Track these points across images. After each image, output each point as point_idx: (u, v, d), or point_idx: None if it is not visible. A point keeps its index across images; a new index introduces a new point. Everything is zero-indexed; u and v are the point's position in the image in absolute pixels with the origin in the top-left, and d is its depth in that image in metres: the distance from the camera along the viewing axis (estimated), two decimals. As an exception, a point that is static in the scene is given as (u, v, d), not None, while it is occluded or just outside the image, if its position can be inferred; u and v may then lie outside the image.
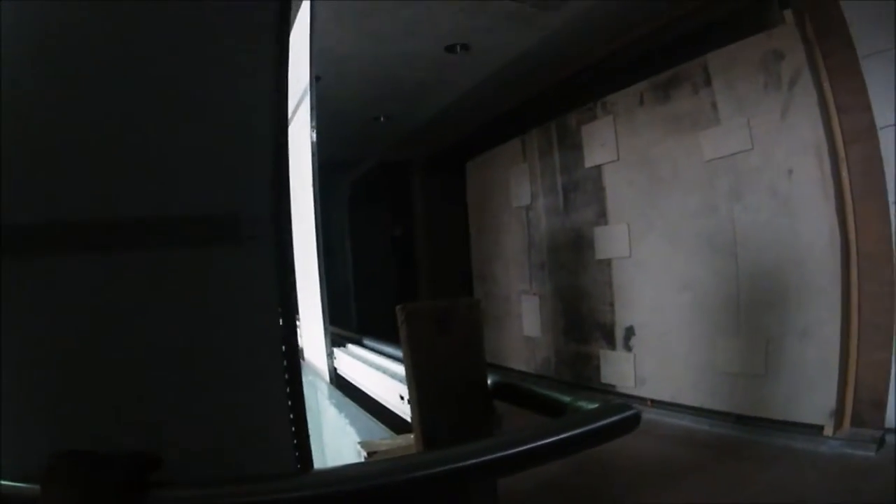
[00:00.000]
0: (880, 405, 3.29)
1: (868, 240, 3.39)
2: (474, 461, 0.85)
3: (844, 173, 3.45)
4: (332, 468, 1.38)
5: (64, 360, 1.14)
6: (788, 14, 3.60)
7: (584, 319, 5.41)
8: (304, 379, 1.40)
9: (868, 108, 3.27)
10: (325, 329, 3.21)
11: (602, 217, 5.13)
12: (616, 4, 4.16)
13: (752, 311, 3.92)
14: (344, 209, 8.81)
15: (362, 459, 1.77)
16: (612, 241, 5.03)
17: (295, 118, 3.26)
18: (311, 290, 3.27)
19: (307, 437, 1.33)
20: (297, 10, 3.11)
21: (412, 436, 1.33)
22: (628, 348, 4.88)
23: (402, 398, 2.18)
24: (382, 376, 2.57)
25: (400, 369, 2.42)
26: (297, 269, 3.32)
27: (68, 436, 1.11)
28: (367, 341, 3.59)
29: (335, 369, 3.24)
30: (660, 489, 3.23)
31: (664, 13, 4.31)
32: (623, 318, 4.95)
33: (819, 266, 3.50)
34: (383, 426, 2.28)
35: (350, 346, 3.58)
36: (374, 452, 1.73)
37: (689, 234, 4.33)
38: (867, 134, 3.29)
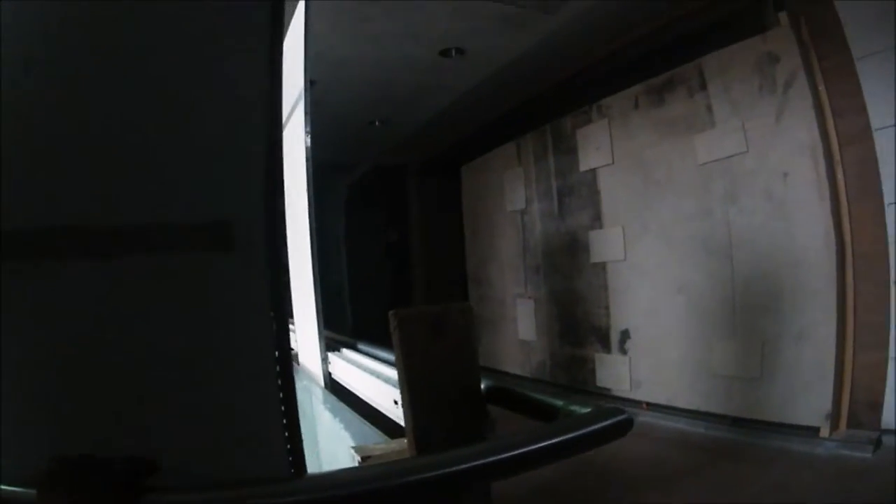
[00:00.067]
0: (876, 406, 3.30)
1: (863, 241, 3.40)
2: (467, 466, 0.85)
3: (840, 175, 3.47)
4: (325, 473, 1.38)
5: (60, 364, 1.14)
6: (783, 16, 3.62)
7: (579, 323, 5.40)
8: (298, 383, 1.40)
9: (863, 110, 3.28)
10: (320, 333, 3.20)
11: (597, 220, 5.14)
12: (610, 8, 4.17)
13: (748, 314, 3.92)
14: (339, 213, 8.80)
15: (356, 464, 1.76)
16: (606, 244, 5.03)
17: (290, 122, 3.26)
18: (305, 294, 3.26)
19: (301, 441, 1.33)
20: (292, 16, 3.10)
21: (406, 440, 1.32)
22: (623, 351, 4.88)
23: (396, 403, 2.17)
24: (377, 381, 2.56)
25: (394, 374, 2.41)
26: (292, 273, 3.32)
27: (64, 439, 1.11)
28: (361, 345, 3.58)
29: (329, 374, 3.23)
30: (655, 492, 3.22)
31: (659, 17, 4.33)
32: (618, 322, 4.95)
33: (814, 268, 3.51)
34: (377, 431, 2.26)
35: (345, 351, 3.56)
36: (368, 457, 1.72)
37: (684, 236, 4.34)
38: (862, 136, 3.31)
